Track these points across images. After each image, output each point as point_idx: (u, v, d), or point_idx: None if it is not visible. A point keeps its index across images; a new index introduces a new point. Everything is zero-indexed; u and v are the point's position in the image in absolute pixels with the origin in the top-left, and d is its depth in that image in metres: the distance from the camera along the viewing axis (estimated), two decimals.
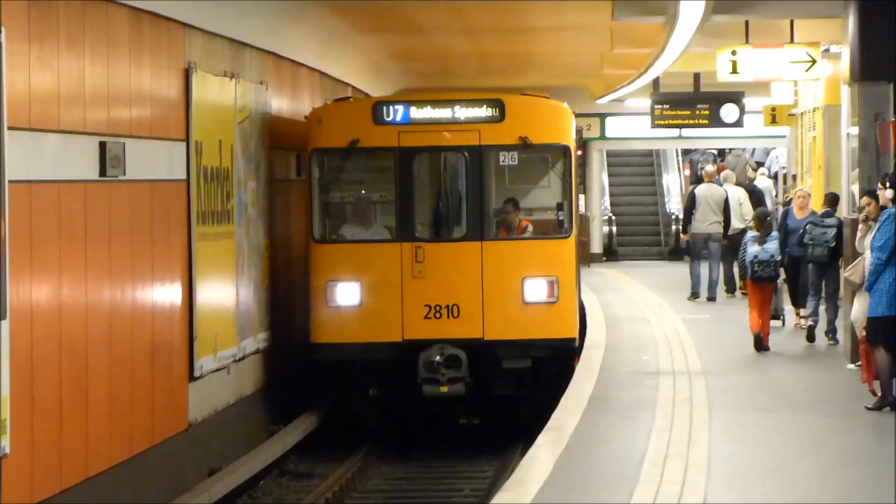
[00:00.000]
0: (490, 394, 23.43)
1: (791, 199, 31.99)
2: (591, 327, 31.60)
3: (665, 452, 17.60)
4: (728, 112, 40.88)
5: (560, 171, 24.07)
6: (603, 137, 52.55)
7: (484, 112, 23.85)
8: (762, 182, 46.16)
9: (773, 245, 26.24)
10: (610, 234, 52.19)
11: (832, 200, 26.99)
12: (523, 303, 23.70)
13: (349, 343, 23.34)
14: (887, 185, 21.76)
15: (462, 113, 23.76)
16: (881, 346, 20.01)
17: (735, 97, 40.83)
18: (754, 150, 57.44)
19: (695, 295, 36.86)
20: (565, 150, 24.12)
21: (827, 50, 33.05)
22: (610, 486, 15.91)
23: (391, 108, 23.77)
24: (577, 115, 34.66)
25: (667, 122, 42.24)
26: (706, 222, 36.44)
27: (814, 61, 33.01)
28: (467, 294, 23.39)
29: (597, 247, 49.66)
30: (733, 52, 32.97)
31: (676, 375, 24.36)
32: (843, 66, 28.64)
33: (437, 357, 22.82)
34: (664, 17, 28.33)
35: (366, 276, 23.56)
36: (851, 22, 26.36)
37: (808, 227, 26.82)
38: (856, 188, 24.87)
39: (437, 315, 23.59)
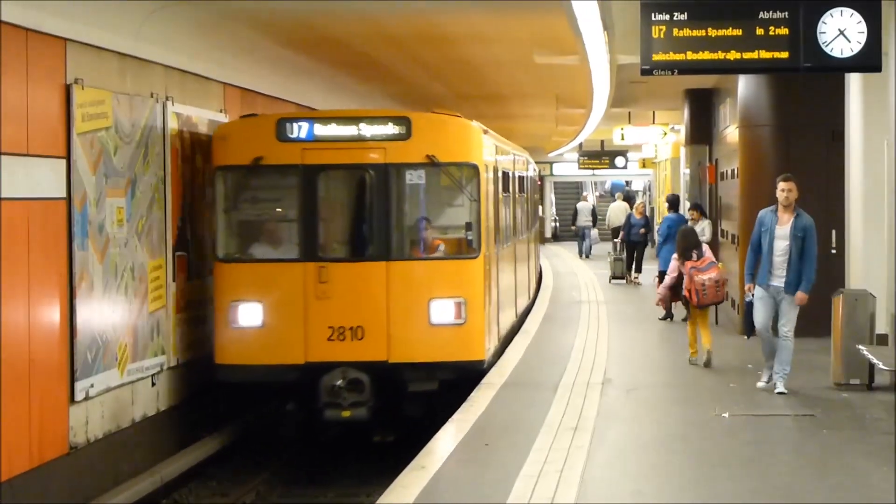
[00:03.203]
0: (400, 416, 15.35)
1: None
2: (546, 276, 31.53)
3: (584, 346, 17.80)
4: (619, 161, 43.40)
5: (469, 190, 15.11)
6: (552, 175, 55.59)
7: (390, 129, 14.94)
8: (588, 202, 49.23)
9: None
10: (555, 227, 55.79)
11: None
12: (430, 324, 14.80)
13: (252, 365, 14.81)
14: (690, 205, 23.38)
15: (367, 130, 14.96)
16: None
17: (623, 153, 43.43)
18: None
19: (579, 256, 41.46)
20: (474, 169, 15.10)
21: (673, 127, 35.70)
22: (555, 362, 16.17)
23: (295, 124, 14.93)
24: (538, 162, 35.53)
25: (586, 166, 44.66)
26: (582, 220, 40.84)
27: (666, 133, 35.75)
28: (372, 315, 14.74)
29: (548, 234, 53.25)
30: (622, 128, 36.05)
31: (591, 304, 24.45)
32: (682, 136, 30.92)
33: (339, 381, 14.54)
34: (585, 109, 29.41)
35: (269, 297, 14.83)
36: (686, 112, 27.96)
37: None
38: (687, 204, 26.13)
39: (341, 337, 14.63)
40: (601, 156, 45.25)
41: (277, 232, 15.40)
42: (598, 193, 63.76)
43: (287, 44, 17.52)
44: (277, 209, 15.47)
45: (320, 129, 14.93)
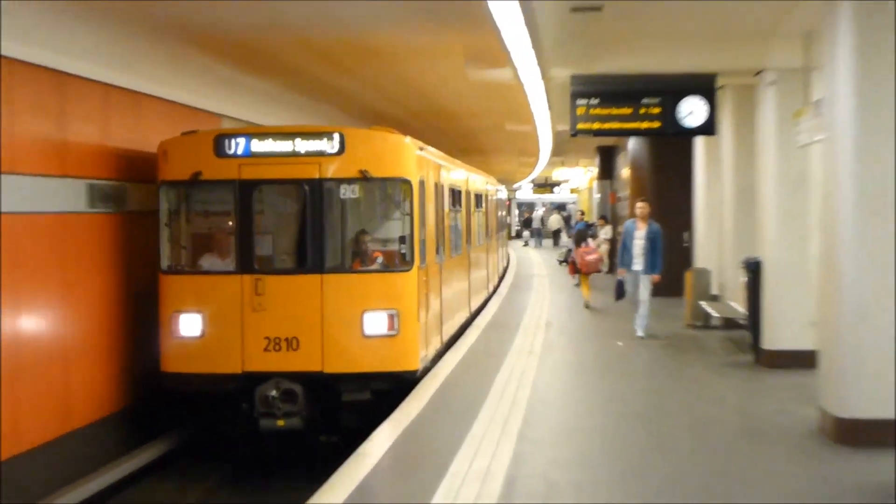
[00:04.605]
0: (337, 425, 10.38)
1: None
2: (512, 260, 30.42)
3: (535, 303, 17.80)
4: (557, 189, 43.32)
5: (402, 204, 10.32)
6: (515, 198, 55.16)
7: (324, 145, 10.01)
8: (539, 212, 48.32)
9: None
10: (518, 230, 55.03)
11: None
12: (363, 336, 9.99)
13: (193, 373, 10.16)
14: (601, 217, 23.87)
15: (302, 146, 10.06)
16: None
17: (559, 184, 43.55)
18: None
19: (527, 245, 40.85)
20: (407, 184, 10.18)
21: (589, 168, 34.41)
22: (517, 313, 16.06)
23: (232, 140, 10.15)
24: (510, 189, 35.10)
25: (536, 192, 44.78)
26: (535, 224, 40.12)
27: (586, 172, 35.86)
28: (307, 327, 10.03)
29: (513, 233, 52.48)
30: (558, 169, 37.43)
31: (540, 277, 24.09)
32: (595, 173, 30.65)
33: (273, 392, 9.93)
34: (535, 157, 29.59)
35: (208, 308, 10.16)
36: (597, 159, 28.43)
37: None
38: (597, 216, 26.29)
39: (277, 348, 9.96)
40: (546, 185, 45.98)
41: (217, 245, 10.67)
42: (545, 208, 64.02)
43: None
44: (216, 223, 10.69)
45: (257, 145, 10.20)
